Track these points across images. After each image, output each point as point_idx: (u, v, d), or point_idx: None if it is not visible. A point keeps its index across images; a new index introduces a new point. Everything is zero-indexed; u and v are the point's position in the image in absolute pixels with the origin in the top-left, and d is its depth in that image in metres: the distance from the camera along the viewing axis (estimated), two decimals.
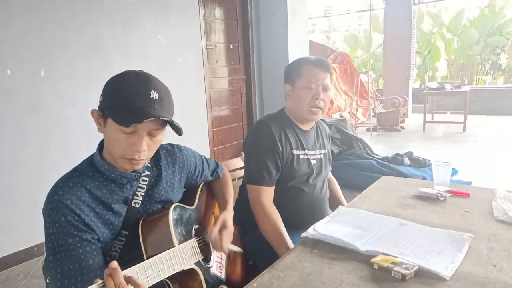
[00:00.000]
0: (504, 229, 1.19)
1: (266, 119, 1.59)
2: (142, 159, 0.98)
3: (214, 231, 1.11)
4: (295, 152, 1.54)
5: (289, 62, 1.65)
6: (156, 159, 1.12)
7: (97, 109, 0.97)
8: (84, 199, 0.95)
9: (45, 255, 0.94)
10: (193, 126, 3.96)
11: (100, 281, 0.77)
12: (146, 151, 0.97)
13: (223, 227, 1.14)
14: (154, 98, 0.93)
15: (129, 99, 0.92)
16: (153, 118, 0.92)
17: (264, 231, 1.42)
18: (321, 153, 1.65)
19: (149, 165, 1.10)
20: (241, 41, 4.70)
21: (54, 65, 2.75)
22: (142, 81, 0.95)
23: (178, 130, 0.98)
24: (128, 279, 0.79)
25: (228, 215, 1.20)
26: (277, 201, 1.49)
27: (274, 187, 1.50)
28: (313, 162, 1.59)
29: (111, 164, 1.00)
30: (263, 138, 1.50)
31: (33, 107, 2.65)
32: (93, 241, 0.94)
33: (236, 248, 1.22)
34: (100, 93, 0.98)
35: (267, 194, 1.47)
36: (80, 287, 0.88)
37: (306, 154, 1.58)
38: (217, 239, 1.11)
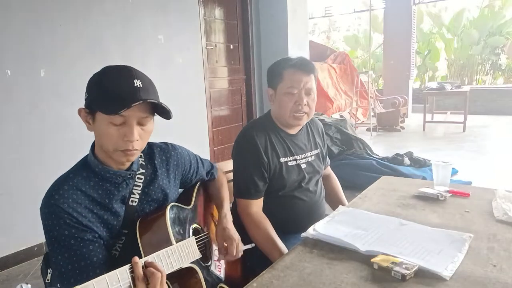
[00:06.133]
0: (504, 229, 1.19)
1: (251, 127, 1.54)
2: (136, 149, 0.98)
3: (219, 252, 1.17)
4: (283, 160, 1.49)
5: None
6: (150, 157, 1.13)
7: (84, 107, 0.98)
8: (80, 201, 0.95)
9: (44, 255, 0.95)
10: (193, 126, 3.96)
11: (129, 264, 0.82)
12: (138, 140, 0.97)
13: (227, 237, 1.16)
14: (138, 86, 0.94)
15: (114, 89, 0.93)
16: (141, 102, 0.92)
17: (255, 240, 1.39)
18: (312, 155, 1.59)
19: (144, 163, 1.10)
20: (241, 41, 4.69)
21: (54, 65, 2.75)
22: (124, 72, 0.96)
23: (167, 113, 0.98)
24: (150, 264, 0.84)
25: (227, 221, 1.21)
26: (270, 211, 1.46)
27: (262, 197, 1.47)
28: (303, 166, 1.54)
29: (105, 163, 1.00)
30: (247, 151, 1.46)
31: (33, 107, 2.65)
32: (94, 239, 0.95)
33: (248, 246, 1.26)
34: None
35: (255, 205, 1.44)
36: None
37: (295, 160, 1.53)
38: (228, 256, 1.16)
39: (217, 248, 1.19)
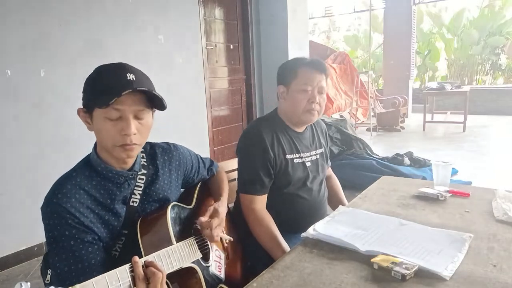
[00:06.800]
0: (504, 229, 1.19)
1: (257, 124, 1.55)
2: (135, 144, 0.97)
3: (204, 217, 1.10)
4: (289, 156, 1.50)
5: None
6: (152, 157, 1.13)
7: (82, 107, 0.99)
8: (83, 201, 0.95)
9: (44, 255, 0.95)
10: (193, 126, 3.96)
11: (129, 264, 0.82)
12: (136, 134, 0.96)
13: (215, 214, 1.13)
14: (131, 79, 0.94)
15: (107, 82, 0.93)
16: (130, 90, 0.91)
17: (258, 238, 1.39)
18: (316, 154, 1.61)
19: (146, 164, 1.10)
20: (241, 41, 4.69)
21: (54, 65, 2.75)
22: (117, 68, 0.96)
23: (161, 103, 0.98)
24: (150, 264, 0.84)
25: (221, 205, 1.19)
26: (274, 208, 1.47)
27: (267, 194, 1.48)
28: (308, 164, 1.55)
29: (107, 162, 1.00)
30: (254, 147, 1.46)
31: (33, 107, 2.65)
32: (94, 241, 0.95)
33: (226, 237, 1.23)
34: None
35: (260, 202, 1.45)
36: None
37: (301, 157, 1.54)
38: (208, 225, 1.08)
39: (217, 249, 1.18)
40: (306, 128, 1.60)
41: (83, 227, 0.93)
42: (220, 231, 1.12)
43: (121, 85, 0.92)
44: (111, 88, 0.91)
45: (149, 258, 0.87)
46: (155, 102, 0.99)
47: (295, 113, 1.50)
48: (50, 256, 0.93)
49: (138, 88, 0.93)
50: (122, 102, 0.92)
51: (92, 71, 0.99)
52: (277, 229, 1.40)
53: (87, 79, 0.98)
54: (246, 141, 1.52)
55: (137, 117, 0.97)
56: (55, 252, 0.91)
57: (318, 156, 1.61)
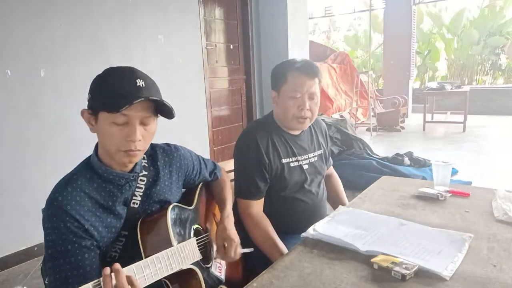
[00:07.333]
0: (504, 229, 1.19)
1: (253, 127, 1.53)
2: (139, 150, 0.97)
3: (218, 249, 1.15)
4: (285, 161, 1.49)
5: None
6: (153, 159, 1.13)
7: (87, 108, 0.98)
8: (84, 203, 0.95)
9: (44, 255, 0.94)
10: (193, 126, 3.96)
11: (96, 280, 0.78)
12: (141, 140, 0.97)
13: (226, 237, 1.15)
14: (141, 85, 0.94)
15: (117, 88, 0.93)
16: (142, 99, 0.92)
17: (256, 241, 1.39)
18: (315, 155, 1.59)
19: (146, 165, 1.10)
20: (241, 41, 4.69)
21: (54, 65, 2.75)
22: (126, 73, 0.97)
23: (169, 112, 0.98)
24: (127, 279, 0.81)
25: (228, 221, 1.20)
26: (272, 211, 1.46)
27: (263, 198, 1.47)
28: (305, 167, 1.54)
29: (108, 165, 1.00)
30: (248, 152, 1.45)
31: (33, 107, 2.65)
32: (92, 247, 0.94)
33: (247, 250, 1.24)
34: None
35: (256, 206, 1.44)
36: None
37: (298, 161, 1.52)
38: (225, 256, 1.14)
39: (216, 248, 1.19)
40: (303, 130, 1.58)
41: (81, 231, 0.93)
42: (237, 249, 1.16)
43: (132, 93, 0.92)
44: (122, 94, 0.91)
45: (127, 270, 0.84)
46: (162, 110, 0.99)
47: (286, 119, 1.48)
48: (47, 260, 0.92)
49: (150, 98, 0.93)
50: (131, 108, 0.92)
51: (100, 73, 0.99)
52: (274, 232, 1.40)
53: (95, 81, 0.98)
54: (241, 146, 1.50)
55: (143, 123, 0.97)
56: (54, 257, 0.90)
57: (316, 158, 1.59)
